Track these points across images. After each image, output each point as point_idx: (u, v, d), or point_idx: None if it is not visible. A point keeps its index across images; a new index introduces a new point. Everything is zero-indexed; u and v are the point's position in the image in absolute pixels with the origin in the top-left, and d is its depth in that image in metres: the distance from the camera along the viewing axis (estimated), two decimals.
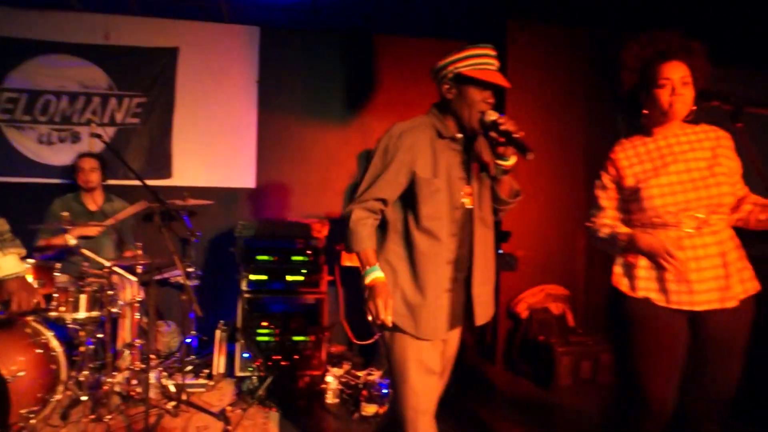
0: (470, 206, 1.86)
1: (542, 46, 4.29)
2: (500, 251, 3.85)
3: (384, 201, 1.81)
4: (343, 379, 3.39)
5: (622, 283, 1.95)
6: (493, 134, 1.77)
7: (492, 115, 1.76)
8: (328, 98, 4.63)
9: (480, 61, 1.77)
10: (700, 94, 1.84)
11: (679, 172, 1.86)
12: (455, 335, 1.99)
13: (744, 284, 1.86)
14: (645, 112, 1.93)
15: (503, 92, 4.45)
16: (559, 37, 4.30)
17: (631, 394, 1.93)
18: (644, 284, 1.90)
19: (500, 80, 1.76)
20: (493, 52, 1.81)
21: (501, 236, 4.32)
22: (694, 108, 1.88)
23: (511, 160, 1.82)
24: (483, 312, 1.91)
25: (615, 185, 2.01)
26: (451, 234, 1.80)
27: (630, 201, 1.96)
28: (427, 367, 1.81)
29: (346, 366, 3.55)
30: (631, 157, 1.97)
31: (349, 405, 3.23)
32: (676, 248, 1.82)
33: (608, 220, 2.02)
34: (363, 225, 1.78)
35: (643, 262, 1.90)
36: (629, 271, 1.93)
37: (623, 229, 1.94)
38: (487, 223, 1.91)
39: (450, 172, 1.82)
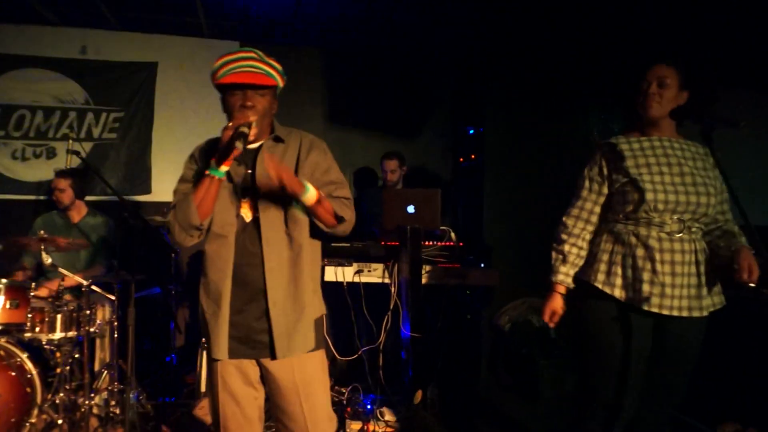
0: (248, 220, 1.72)
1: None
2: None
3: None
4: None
5: (591, 276, 1.93)
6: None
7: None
8: (307, 113, 4.63)
9: (231, 66, 1.65)
10: (673, 113, 1.88)
11: (672, 174, 1.86)
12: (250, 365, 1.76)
13: (713, 298, 1.89)
14: (634, 113, 1.97)
15: (485, 107, 4.53)
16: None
17: (585, 397, 1.96)
18: (613, 280, 1.88)
19: (240, 78, 1.62)
20: (243, 54, 1.67)
21: (482, 250, 4.35)
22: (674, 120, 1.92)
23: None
24: (284, 345, 1.70)
25: (604, 178, 1.97)
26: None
27: (617, 193, 1.93)
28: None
29: (329, 382, 3.51)
30: (626, 150, 1.93)
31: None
32: (649, 249, 1.83)
33: (575, 246, 2.00)
34: None
35: (604, 256, 1.91)
36: (599, 266, 1.92)
37: (559, 277, 2.01)
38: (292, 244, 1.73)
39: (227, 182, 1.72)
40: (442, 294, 3.42)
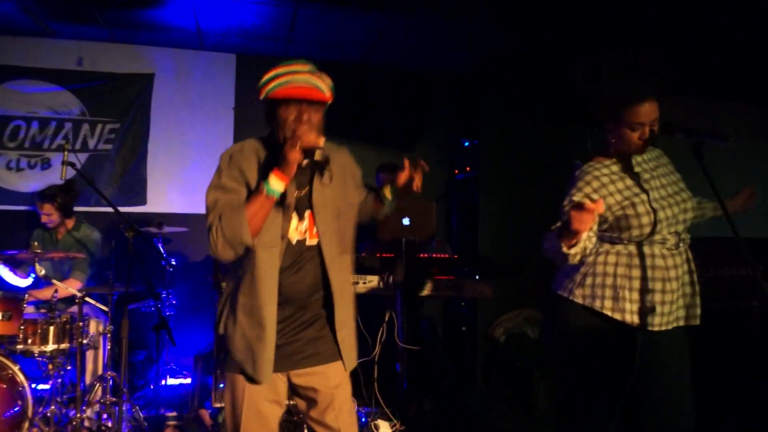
0: (297, 239, 1.69)
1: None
2: None
3: None
4: None
5: (596, 303, 1.83)
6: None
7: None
8: None
9: (285, 80, 1.61)
10: (664, 127, 1.81)
11: (658, 188, 1.85)
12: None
13: (699, 306, 1.87)
14: (612, 140, 1.86)
15: (480, 119, 4.57)
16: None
17: (569, 418, 1.88)
18: (622, 305, 1.80)
19: (297, 92, 1.59)
20: (299, 66, 1.64)
21: (477, 262, 4.36)
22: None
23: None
24: (351, 357, 1.78)
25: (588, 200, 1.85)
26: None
27: (611, 219, 1.84)
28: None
29: None
30: (606, 182, 1.85)
31: None
32: (657, 269, 1.79)
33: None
34: None
35: (608, 280, 1.82)
36: (604, 291, 1.83)
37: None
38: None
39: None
40: (437, 306, 3.43)
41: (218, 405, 3.39)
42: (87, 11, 3.80)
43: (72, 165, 3.13)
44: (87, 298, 3.06)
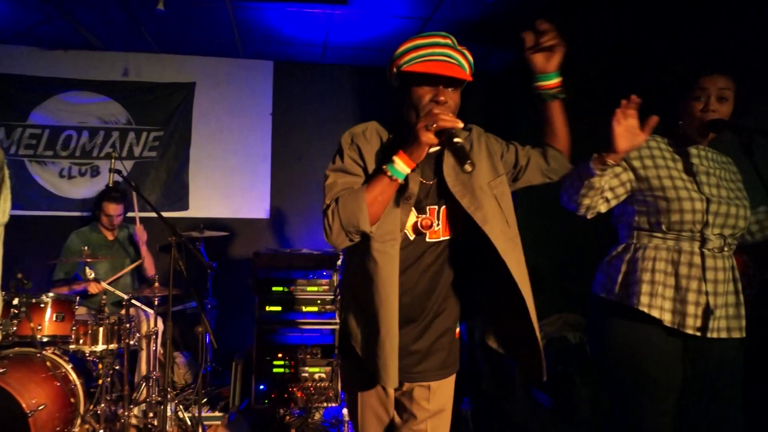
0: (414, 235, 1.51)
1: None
2: None
3: None
4: None
5: (632, 298, 1.76)
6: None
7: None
8: (339, 129, 4.69)
9: (423, 53, 1.42)
10: (711, 124, 1.75)
11: (712, 185, 1.77)
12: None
13: (744, 318, 1.78)
14: (680, 123, 1.82)
15: (516, 123, 4.50)
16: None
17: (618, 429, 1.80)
18: (658, 302, 1.73)
19: (437, 68, 1.38)
20: (440, 39, 1.44)
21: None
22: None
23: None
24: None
25: (631, 172, 1.81)
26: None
27: (650, 198, 1.78)
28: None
29: None
30: (657, 156, 1.80)
31: None
32: (694, 266, 1.72)
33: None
34: None
35: (646, 276, 1.75)
36: (640, 287, 1.75)
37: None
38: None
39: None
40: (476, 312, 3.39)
41: (257, 406, 3.46)
42: (133, 25, 3.95)
43: (119, 172, 3.26)
44: (133, 301, 3.17)
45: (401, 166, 1.36)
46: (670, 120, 1.86)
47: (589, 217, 1.82)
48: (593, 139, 1.73)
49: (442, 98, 1.41)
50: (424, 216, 1.49)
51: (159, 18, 3.73)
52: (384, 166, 1.38)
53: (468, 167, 1.29)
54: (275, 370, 3.55)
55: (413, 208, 1.49)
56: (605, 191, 1.79)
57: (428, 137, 1.33)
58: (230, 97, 4.64)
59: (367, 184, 1.41)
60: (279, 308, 3.60)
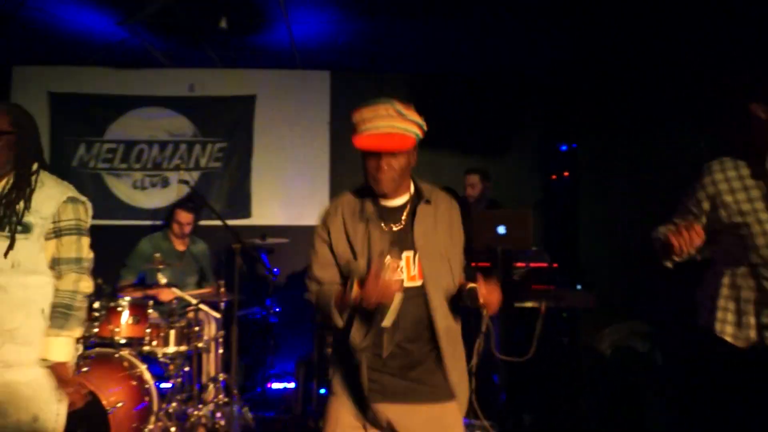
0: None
1: None
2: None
3: None
4: None
5: (716, 326, 1.72)
6: None
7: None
8: None
9: (365, 126, 1.56)
10: None
11: None
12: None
13: None
14: (746, 132, 1.73)
15: (579, 122, 4.38)
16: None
17: None
18: (745, 333, 1.67)
19: (375, 144, 1.54)
20: (381, 110, 1.56)
21: (577, 271, 4.17)
22: None
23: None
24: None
25: (709, 203, 1.76)
26: None
27: (732, 231, 1.72)
28: None
29: None
30: (733, 179, 1.72)
31: None
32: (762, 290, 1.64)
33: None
34: None
35: (747, 306, 1.67)
36: (725, 315, 1.70)
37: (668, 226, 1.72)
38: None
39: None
40: (536, 316, 3.31)
41: (320, 410, 3.52)
42: (197, 43, 4.16)
43: (187, 183, 3.41)
44: (201, 305, 3.31)
45: (355, 301, 1.51)
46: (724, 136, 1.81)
47: None
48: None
49: (385, 165, 1.58)
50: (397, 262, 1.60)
51: (221, 34, 3.90)
52: (344, 297, 1.55)
53: (430, 224, 1.60)
54: None
55: (396, 253, 1.61)
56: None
57: (367, 305, 1.48)
58: (289, 108, 4.78)
59: (335, 301, 1.59)
60: None
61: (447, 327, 1.64)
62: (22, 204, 1.77)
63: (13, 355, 1.71)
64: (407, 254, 1.63)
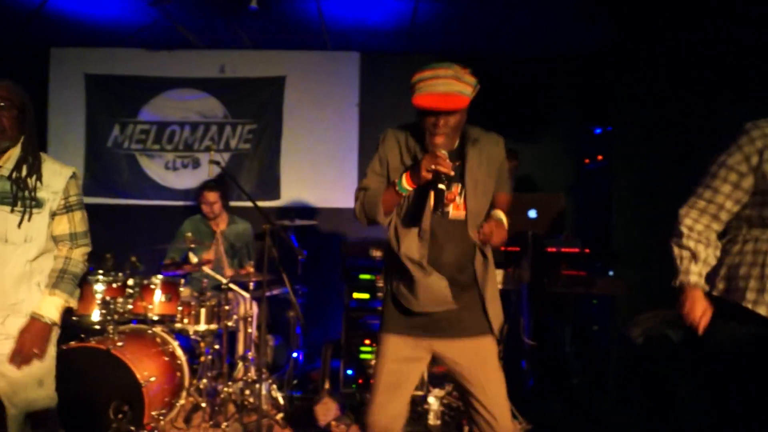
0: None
1: None
2: None
3: None
4: (446, 401, 3.35)
5: (736, 294, 1.64)
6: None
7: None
8: None
9: (424, 86, 1.70)
10: None
11: None
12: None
13: None
14: None
15: (613, 104, 4.25)
16: None
17: None
18: (754, 296, 1.61)
19: (434, 103, 1.68)
20: (441, 71, 1.70)
21: (610, 257, 4.07)
22: None
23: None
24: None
25: (751, 170, 1.64)
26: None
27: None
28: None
29: (449, 387, 3.50)
30: None
31: (452, 428, 3.18)
32: None
33: (701, 244, 1.73)
34: None
35: (755, 270, 1.62)
36: (747, 282, 1.62)
37: (692, 278, 1.73)
38: None
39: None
40: (566, 303, 3.26)
41: (345, 390, 3.56)
42: (228, 24, 4.16)
43: (218, 164, 3.44)
44: (231, 285, 3.36)
45: (406, 184, 1.77)
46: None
47: None
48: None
49: (441, 122, 1.72)
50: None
51: (252, 15, 3.89)
52: (395, 181, 1.79)
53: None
54: (362, 356, 3.62)
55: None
56: (716, 220, 1.77)
57: (425, 174, 1.69)
58: (318, 89, 4.76)
59: (385, 189, 1.84)
60: (367, 296, 3.66)
61: (483, 260, 1.83)
62: (34, 179, 1.81)
63: (16, 328, 1.77)
64: (456, 185, 1.80)
